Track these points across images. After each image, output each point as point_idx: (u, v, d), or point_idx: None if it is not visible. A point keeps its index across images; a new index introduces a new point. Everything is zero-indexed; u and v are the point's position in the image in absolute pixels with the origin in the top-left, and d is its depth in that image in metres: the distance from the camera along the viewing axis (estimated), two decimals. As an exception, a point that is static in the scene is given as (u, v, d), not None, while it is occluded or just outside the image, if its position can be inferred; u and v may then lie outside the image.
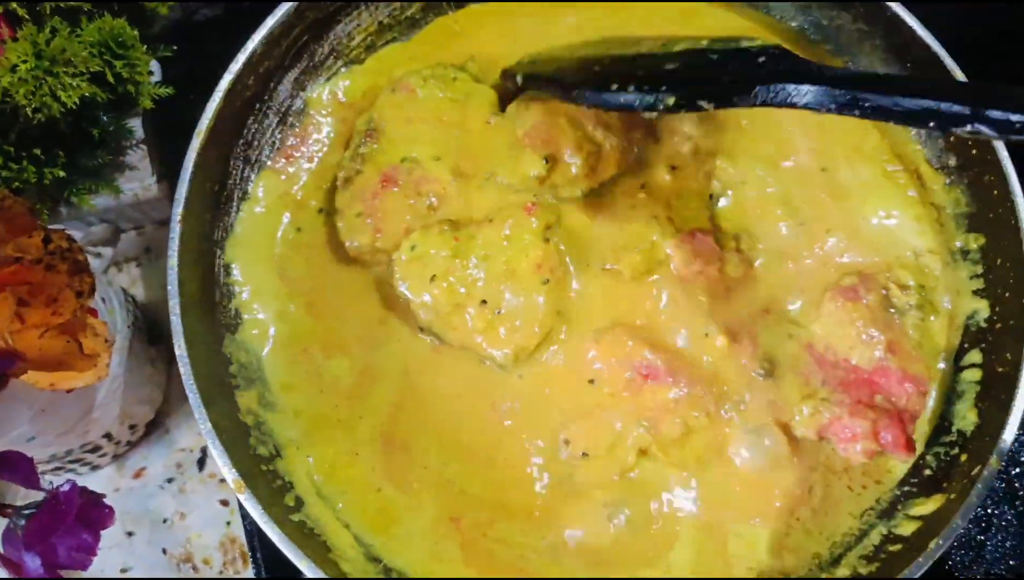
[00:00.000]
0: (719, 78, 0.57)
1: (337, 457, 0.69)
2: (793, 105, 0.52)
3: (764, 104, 0.53)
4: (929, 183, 0.74)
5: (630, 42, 0.69)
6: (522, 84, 0.72)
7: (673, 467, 0.68)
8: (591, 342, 0.70)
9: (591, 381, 0.70)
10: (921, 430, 0.68)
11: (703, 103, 0.55)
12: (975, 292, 0.70)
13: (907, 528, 0.63)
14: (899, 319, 0.69)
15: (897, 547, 0.63)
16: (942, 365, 0.70)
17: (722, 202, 0.73)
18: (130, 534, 0.88)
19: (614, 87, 0.59)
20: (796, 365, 0.69)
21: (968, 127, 0.46)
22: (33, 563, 0.59)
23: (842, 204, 0.73)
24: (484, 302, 0.69)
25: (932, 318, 0.71)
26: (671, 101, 0.56)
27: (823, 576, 0.64)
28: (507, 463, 0.69)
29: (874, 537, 0.65)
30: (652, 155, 0.74)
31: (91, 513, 0.62)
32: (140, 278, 0.96)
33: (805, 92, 0.52)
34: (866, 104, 0.50)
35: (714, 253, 0.71)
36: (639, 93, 0.58)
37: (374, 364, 0.72)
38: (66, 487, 0.61)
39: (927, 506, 0.63)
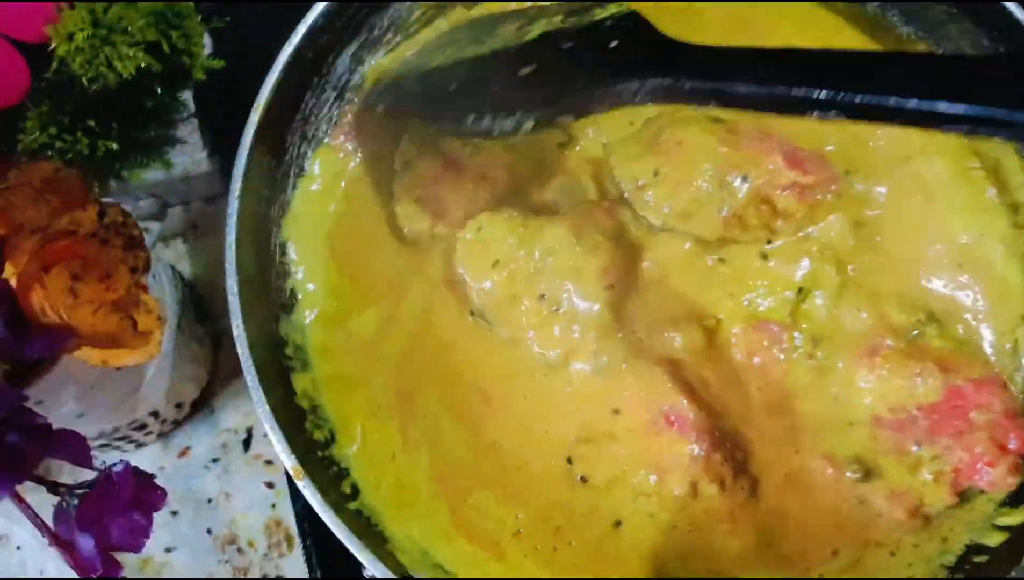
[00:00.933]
0: (572, 82, 0.56)
1: (366, 420, 0.68)
2: (643, 103, 0.50)
3: (615, 107, 0.52)
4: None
5: (488, 24, 0.65)
6: (384, 106, 0.70)
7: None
8: (630, 370, 0.66)
9: (616, 411, 0.66)
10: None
11: (563, 119, 0.55)
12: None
13: (994, 539, 0.60)
14: (924, 340, 0.65)
15: (983, 558, 0.59)
16: (991, 350, 0.66)
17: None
18: (174, 513, 0.87)
19: (470, 117, 0.59)
20: (882, 448, 0.64)
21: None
22: (86, 544, 0.58)
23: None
24: (542, 297, 0.66)
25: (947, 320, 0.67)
26: (530, 125, 0.56)
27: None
28: (496, 443, 0.67)
29: (957, 546, 0.61)
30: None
31: (144, 494, 0.61)
32: (186, 254, 0.95)
33: (652, 86, 0.48)
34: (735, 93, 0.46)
35: (784, 352, 0.66)
36: (496, 120, 0.57)
37: (400, 319, 0.70)
38: (119, 467, 0.59)
39: (1015, 516, 0.60)
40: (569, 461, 0.65)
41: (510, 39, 0.63)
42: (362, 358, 0.69)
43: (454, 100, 0.63)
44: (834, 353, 0.66)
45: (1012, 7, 0.66)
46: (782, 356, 0.66)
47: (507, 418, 0.67)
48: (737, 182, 0.66)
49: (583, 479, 0.65)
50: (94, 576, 0.58)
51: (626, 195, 0.70)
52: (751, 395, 0.67)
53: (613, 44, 0.55)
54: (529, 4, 0.69)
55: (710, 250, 0.69)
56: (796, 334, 0.67)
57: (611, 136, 0.73)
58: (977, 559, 0.60)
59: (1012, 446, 0.59)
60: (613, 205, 0.68)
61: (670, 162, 0.68)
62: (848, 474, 0.64)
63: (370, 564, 0.55)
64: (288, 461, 0.56)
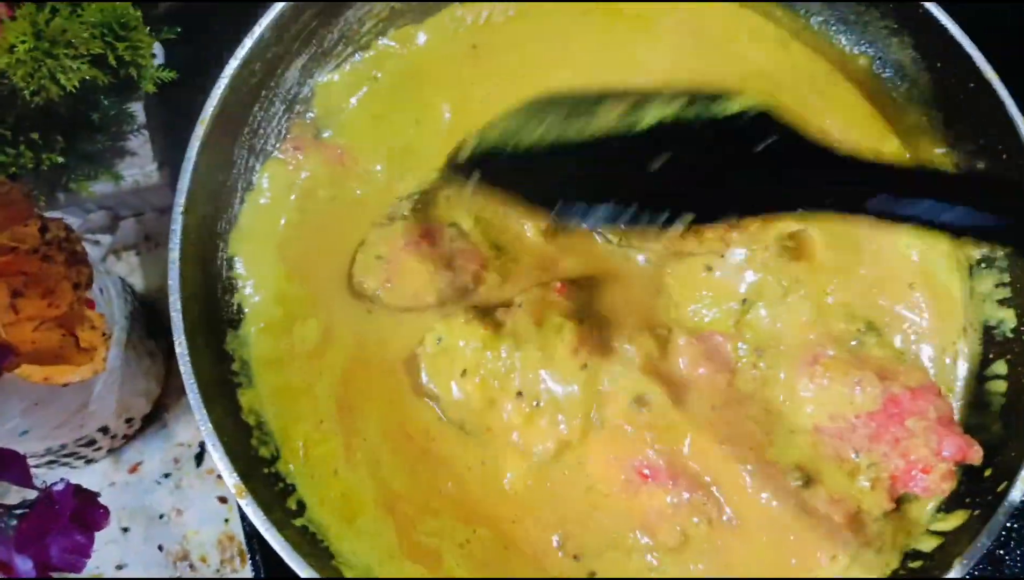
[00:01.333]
0: (722, 184, 0.52)
1: (308, 434, 0.67)
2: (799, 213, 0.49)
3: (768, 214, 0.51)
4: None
5: (581, 104, 0.59)
6: (477, 177, 0.61)
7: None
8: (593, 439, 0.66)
9: (589, 488, 0.66)
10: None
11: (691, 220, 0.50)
12: (1000, 301, 0.68)
13: (928, 544, 0.61)
14: (864, 350, 0.67)
15: (918, 563, 0.61)
16: (930, 364, 0.68)
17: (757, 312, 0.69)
18: (125, 530, 0.86)
19: (606, 207, 0.53)
20: (822, 455, 0.65)
21: None
22: (24, 565, 0.57)
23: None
24: (520, 394, 0.65)
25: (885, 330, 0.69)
26: (685, 223, 0.50)
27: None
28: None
29: (890, 558, 0.63)
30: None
31: (86, 514, 0.60)
32: (139, 267, 0.94)
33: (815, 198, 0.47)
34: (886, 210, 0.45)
35: (727, 363, 0.67)
36: (644, 215, 0.51)
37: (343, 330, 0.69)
38: (60, 486, 0.59)
39: (949, 522, 0.62)
40: (559, 543, 0.65)
41: (618, 125, 0.56)
42: (305, 366, 0.68)
43: (571, 185, 0.56)
44: (777, 363, 0.67)
45: (948, 24, 0.68)
46: (726, 368, 0.67)
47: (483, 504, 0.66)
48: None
49: (576, 558, 0.64)
50: (34, 598, 0.57)
51: None
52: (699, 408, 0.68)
53: (760, 145, 0.49)
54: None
55: (661, 264, 0.70)
56: (740, 345, 0.68)
57: None
58: (912, 564, 0.61)
59: (946, 453, 0.60)
60: (564, 285, 0.68)
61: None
62: (791, 482, 0.65)
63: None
64: (230, 479, 0.56)
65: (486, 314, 0.67)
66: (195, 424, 0.88)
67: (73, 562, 0.58)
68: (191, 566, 0.85)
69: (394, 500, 0.65)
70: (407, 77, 0.76)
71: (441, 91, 0.76)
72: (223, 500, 0.86)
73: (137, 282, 0.93)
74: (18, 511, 0.58)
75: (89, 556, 0.59)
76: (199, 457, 0.88)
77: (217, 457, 0.56)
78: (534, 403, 0.65)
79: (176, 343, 0.59)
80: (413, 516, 0.65)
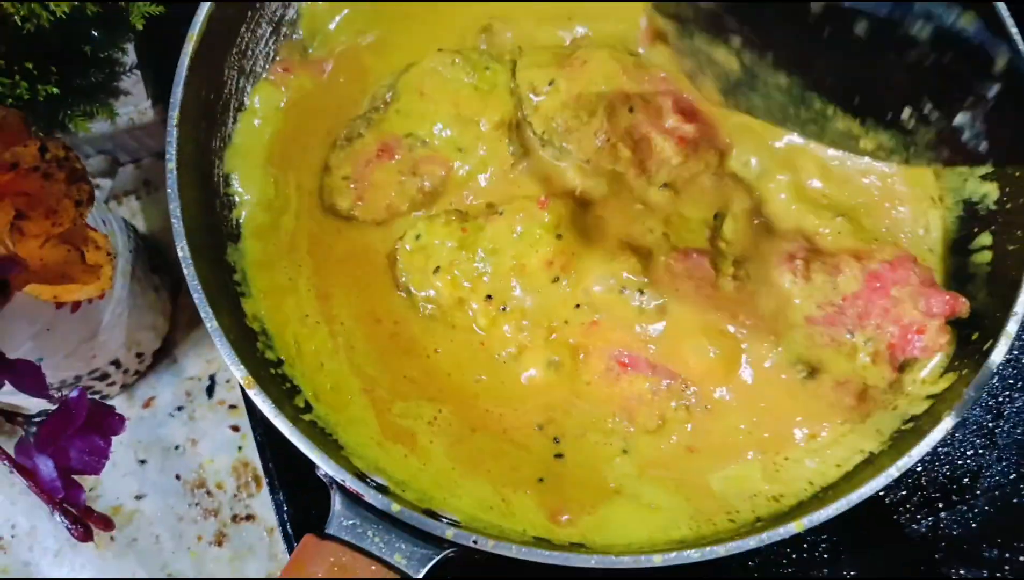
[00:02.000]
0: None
1: (297, 331, 0.68)
2: None
3: None
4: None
5: None
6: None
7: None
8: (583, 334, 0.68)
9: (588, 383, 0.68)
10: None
11: None
12: (983, 177, 0.69)
13: (919, 407, 0.63)
14: (839, 237, 0.67)
15: (909, 425, 0.62)
16: (903, 236, 0.70)
17: (728, 225, 0.69)
18: (142, 462, 0.88)
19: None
20: (820, 343, 0.66)
21: None
22: (46, 467, 0.59)
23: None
24: (489, 297, 0.67)
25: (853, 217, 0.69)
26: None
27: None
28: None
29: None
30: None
31: (101, 418, 0.62)
32: (140, 211, 0.96)
33: None
34: None
35: (708, 277, 0.68)
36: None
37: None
38: (75, 394, 0.61)
39: (939, 385, 0.63)
40: (540, 428, 0.67)
41: None
42: (287, 261, 0.70)
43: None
44: (758, 268, 0.68)
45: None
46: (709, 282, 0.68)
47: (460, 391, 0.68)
48: (621, 111, 0.68)
49: (556, 440, 0.66)
50: (57, 499, 0.59)
51: (522, 101, 0.71)
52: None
53: None
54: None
55: (628, 192, 0.71)
56: (718, 258, 0.69)
57: (533, 43, 0.74)
58: (904, 427, 0.63)
59: (936, 310, 0.62)
60: (549, 198, 0.69)
61: (569, 77, 0.69)
62: (797, 374, 0.67)
63: (321, 462, 0.56)
64: (238, 372, 0.58)
65: (467, 218, 0.69)
66: (204, 358, 0.91)
67: (92, 464, 0.61)
68: (208, 493, 0.87)
69: (371, 385, 0.67)
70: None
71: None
72: (235, 429, 0.89)
73: (139, 225, 0.95)
74: (37, 419, 0.60)
75: (107, 457, 0.61)
76: (210, 389, 0.90)
77: (225, 354, 0.58)
78: (501, 308, 0.66)
79: (178, 247, 0.60)
80: (386, 399, 0.67)
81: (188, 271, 0.59)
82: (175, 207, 0.61)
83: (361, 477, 0.58)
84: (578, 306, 0.67)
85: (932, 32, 0.41)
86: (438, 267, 0.67)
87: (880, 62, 0.44)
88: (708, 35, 0.50)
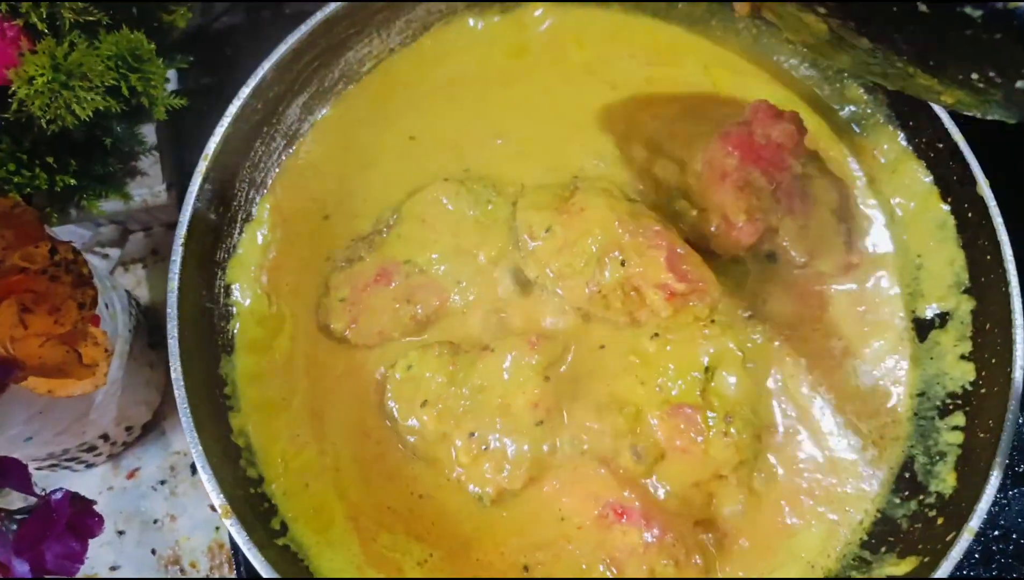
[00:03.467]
0: None
1: (285, 449, 0.69)
2: None
3: None
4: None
5: None
6: None
7: None
8: (570, 478, 0.68)
9: (561, 518, 0.68)
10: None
11: None
12: (962, 357, 0.71)
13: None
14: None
15: (868, 606, 0.64)
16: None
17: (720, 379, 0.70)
18: (121, 533, 0.90)
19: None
20: None
21: None
22: (21, 568, 0.61)
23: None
24: (472, 434, 0.67)
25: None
26: None
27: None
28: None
29: (847, 595, 0.66)
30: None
31: (81, 521, 0.63)
32: (145, 279, 0.98)
33: None
34: None
35: (700, 434, 0.68)
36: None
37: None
38: (58, 494, 0.62)
39: (901, 567, 0.64)
40: (526, 569, 0.67)
41: None
42: (282, 379, 0.71)
43: None
44: (746, 427, 0.69)
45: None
46: (700, 438, 0.68)
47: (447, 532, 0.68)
48: (614, 263, 0.70)
49: None
50: (28, 599, 0.61)
51: (519, 241, 0.73)
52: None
53: None
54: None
55: (622, 344, 0.72)
56: (709, 413, 0.69)
57: (532, 180, 0.76)
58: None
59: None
60: (540, 338, 0.69)
61: (566, 224, 0.71)
62: None
63: (289, 597, 0.58)
64: (217, 500, 0.59)
65: (458, 351, 0.70)
66: (192, 434, 0.93)
67: (67, 567, 0.62)
68: (181, 570, 0.88)
69: (356, 512, 0.68)
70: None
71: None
72: (215, 509, 0.90)
73: (143, 293, 0.97)
74: (18, 516, 0.62)
75: (82, 562, 0.62)
76: (194, 466, 0.91)
77: (205, 479, 0.60)
78: (483, 447, 0.67)
79: (172, 369, 0.62)
80: (371, 528, 0.67)
81: (179, 393, 0.61)
82: (172, 327, 0.63)
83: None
84: (558, 449, 0.68)
85: (985, 13, 0.45)
86: (425, 400, 0.68)
87: (946, 36, 0.48)
88: (798, 4, 0.53)
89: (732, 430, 0.68)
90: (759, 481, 0.69)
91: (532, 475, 0.67)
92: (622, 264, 0.69)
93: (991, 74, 0.48)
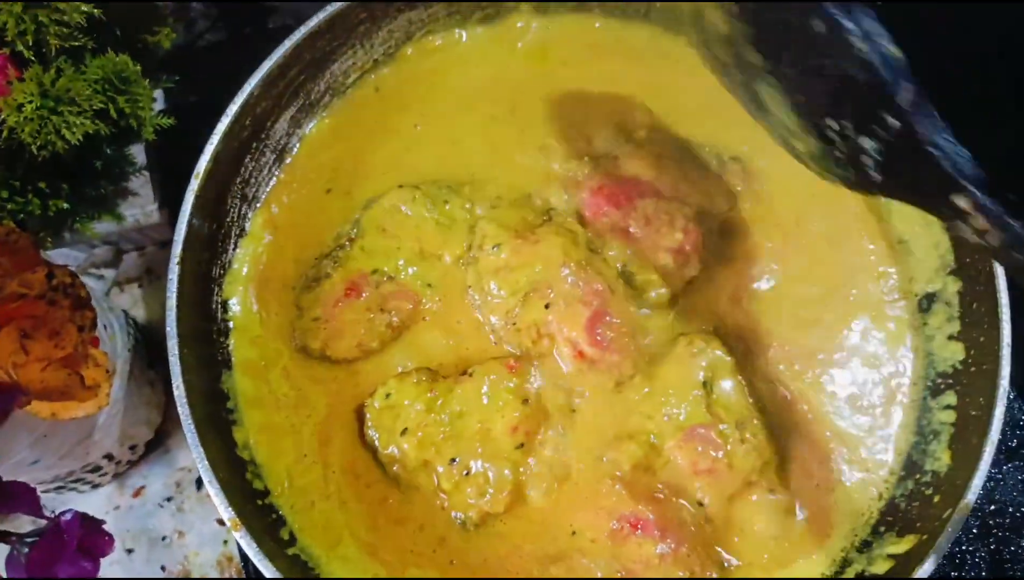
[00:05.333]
0: None
1: (291, 467, 0.70)
2: None
3: None
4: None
5: None
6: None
7: None
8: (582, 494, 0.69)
9: (573, 533, 0.68)
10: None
11: None
12: (951, 337, 0.72)
13: (882, 567, 0.65)
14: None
15: (867, 587, 0.65)
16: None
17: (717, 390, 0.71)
18: (129, 551, 0.90)
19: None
20: None
21: None
22: (35, 591, 0.61)
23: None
24: (453, 461, 0.67)
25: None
26: None
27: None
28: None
29: (849, 574, 0.67)
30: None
31: (92, 541, 0.64)
32: (141, 299, 0.98)
33: None
34: None
35: (720, 449, 0.68)
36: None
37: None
38: (68, 516, 0.63)
39: (901, 546, 0.65)
40: None
41: None
42: (291, 414, 0.71)
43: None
44: (759, 429, 0.70)
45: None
46: (720, 453, 0.68)
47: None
48: (538, 304, 0.70)
49: None
50: (43, 621, 0.61)
51: (471, 249, 0.74)
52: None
53: None
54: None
55: (619, 387, 0.71)
56: (722, 426, 0.69)
57: (499, 194, 0.77)
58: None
59: None
60: (519, 362, 0.70)
61: (514, 249, 0.72)
62: None
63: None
64: (226, 514, 0.60)
65: (437, 378, 0.70)
66: (195, 451, 0.93)
67: (80, 589, 0.63)
68: (192, 585, 0.89)
69: (374, 548, 0.68)
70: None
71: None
72: (222, 523, 0.91)
73: (139, 313, 0.97)
74: (29, 539, 0.63)
75: (95, 581, 0.63)
76: (200, 481, 0.92)
77: (213, 493, 0.60)
78: (464, 472, 0.67)
79: (174, 386, 0.63)
80: (397, 566, 0.68)
81: (182, 410, 0.62)
82: (173, 345, 0.63)
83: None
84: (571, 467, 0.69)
85: (852, 56, 0.43)
86: (405, 429, 0.68)
87: (815, 68, 0.46)
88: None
89: (748, 435, 0.68)
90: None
91: (516, 497, 0.67)
92: (546, 307, 0.70)
93: (844, 124, 0.46)
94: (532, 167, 0.77)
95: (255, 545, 0.59)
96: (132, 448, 0.89)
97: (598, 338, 0.69)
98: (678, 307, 0.74)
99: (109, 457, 0.86)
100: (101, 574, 0.91)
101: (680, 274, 0.73)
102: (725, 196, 0.77)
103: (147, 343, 0.93)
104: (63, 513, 0.63)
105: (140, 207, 0.88)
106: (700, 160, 0.78)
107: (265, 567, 0.59)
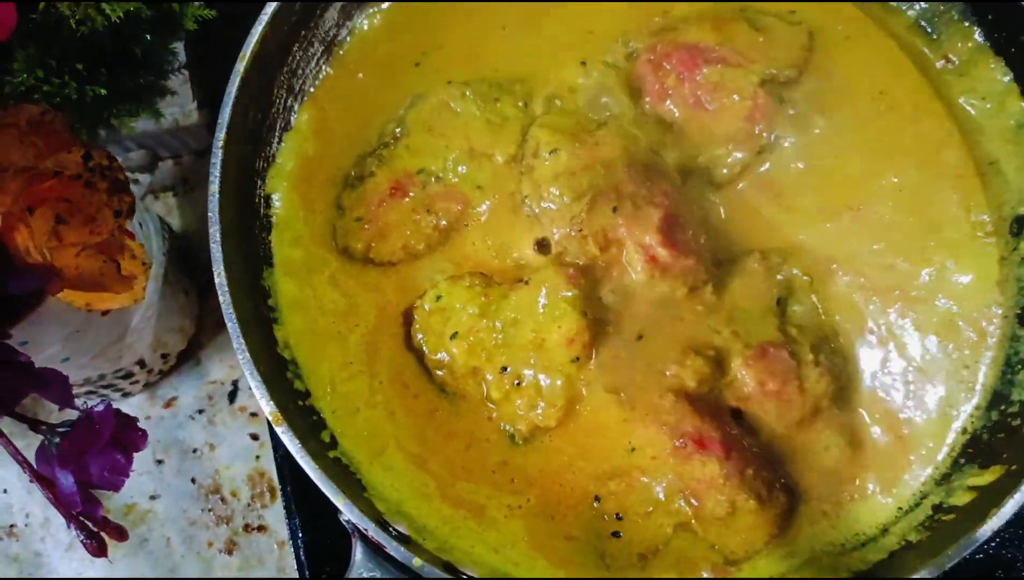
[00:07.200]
0: None
1: (335, 372, 0.66)
2: None
3: None
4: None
5: None
6: None
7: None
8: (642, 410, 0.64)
9: (632, 449, 0.64)
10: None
11: None
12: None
13: (962, 499, 0.61)
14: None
15: (950, 517, 0.60)
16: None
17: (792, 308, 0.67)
18: (160, 462, 0.88)
19: None
20: None
21: None
22: (66, 480, 0.59)
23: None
24: (504, 369, 0.64)
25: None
26: None
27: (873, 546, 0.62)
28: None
29: (926, 506, 0.62)
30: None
31: (125, 435, 0.61)
32: (176, 208, 0.95)
33: None
34: None
35: (791, 370, 0.64)
36: None
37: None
38: (100, 407, 0.60)
39: (984, 477, 0.61)
40: (597, 499, 0.64)
41: None
42: (339, 321, 0.68)
43: None
44: (835, 354, 0.65)
45: None
46: (791, 375, 0.64)
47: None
48: (605, 207, 0.65)
49: (619, 517, 0.63)
50: (74, 512, 0.59)
51: (524, 154, 0.69)
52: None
53: None
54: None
55: (691, 295, 0.67)
56: (795, 347, 0.65)
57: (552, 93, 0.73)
58: (945, 517, 0.61)
59: None
60: (578, 271, 0.65)
61: (573, 152, 0.66)
62: None
63: (345, 509, 0.55)
64: (267, 407, 0.57)
65: (491, 283, 0.66)
66: (228, 363, 0.91)
67: (112, 481, 0.60)
68: (222, 499, 0.87)
69: (423, 459, 0.65)
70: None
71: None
72: (255, 437, 0.88)
73: (174, 222, 0.94)
74: (61, 430, 0.60)
75: (128, 475, 0.60)
76: (232, 395, 0.90)
77: (255, 385, 0.57)
78: (515, 382, 0.63)
79: (215, 273, 0.59)
80: (447, 479, 0.65)
81: (224, 299, 0.59)
82: (215, 231, 0.60)
83: (383, 525, 0.56)
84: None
85: None
86: (456, 333, 0.64)
87: None
88: None
89: (822, 358, 0.64)
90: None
91: (569, 410, 0.64)
92: (614, 210, 0.65)
93: None
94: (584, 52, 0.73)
95: (298, 442, 0.56)
96: (164, 357, 0.87)
97: (672, 240, 0.64)
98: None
99: (141, 363, 0.83)
100: (129, 483, 0.89)
101: (750, 144, 0.68)
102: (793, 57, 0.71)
103: (182, 251, 0.90)
104: (96, 405, 0.60)
105: (179, 106, 0.85)
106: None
107: (307, 464, 0.56)
